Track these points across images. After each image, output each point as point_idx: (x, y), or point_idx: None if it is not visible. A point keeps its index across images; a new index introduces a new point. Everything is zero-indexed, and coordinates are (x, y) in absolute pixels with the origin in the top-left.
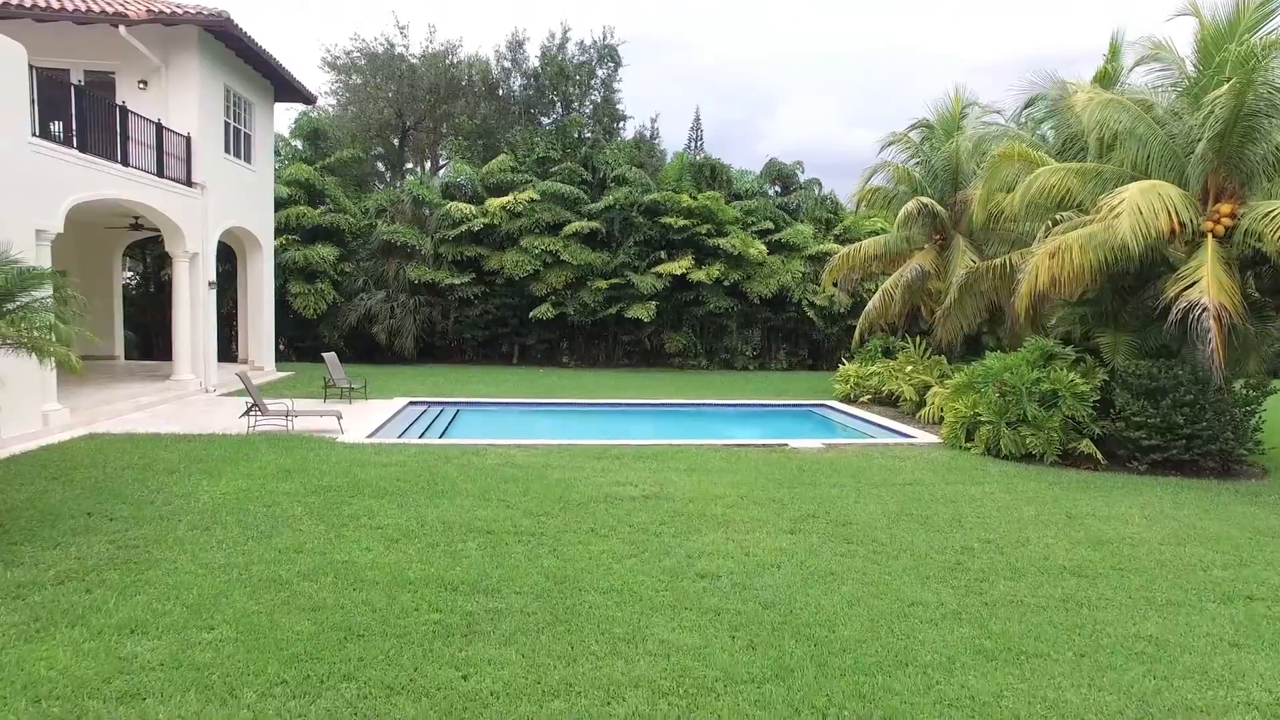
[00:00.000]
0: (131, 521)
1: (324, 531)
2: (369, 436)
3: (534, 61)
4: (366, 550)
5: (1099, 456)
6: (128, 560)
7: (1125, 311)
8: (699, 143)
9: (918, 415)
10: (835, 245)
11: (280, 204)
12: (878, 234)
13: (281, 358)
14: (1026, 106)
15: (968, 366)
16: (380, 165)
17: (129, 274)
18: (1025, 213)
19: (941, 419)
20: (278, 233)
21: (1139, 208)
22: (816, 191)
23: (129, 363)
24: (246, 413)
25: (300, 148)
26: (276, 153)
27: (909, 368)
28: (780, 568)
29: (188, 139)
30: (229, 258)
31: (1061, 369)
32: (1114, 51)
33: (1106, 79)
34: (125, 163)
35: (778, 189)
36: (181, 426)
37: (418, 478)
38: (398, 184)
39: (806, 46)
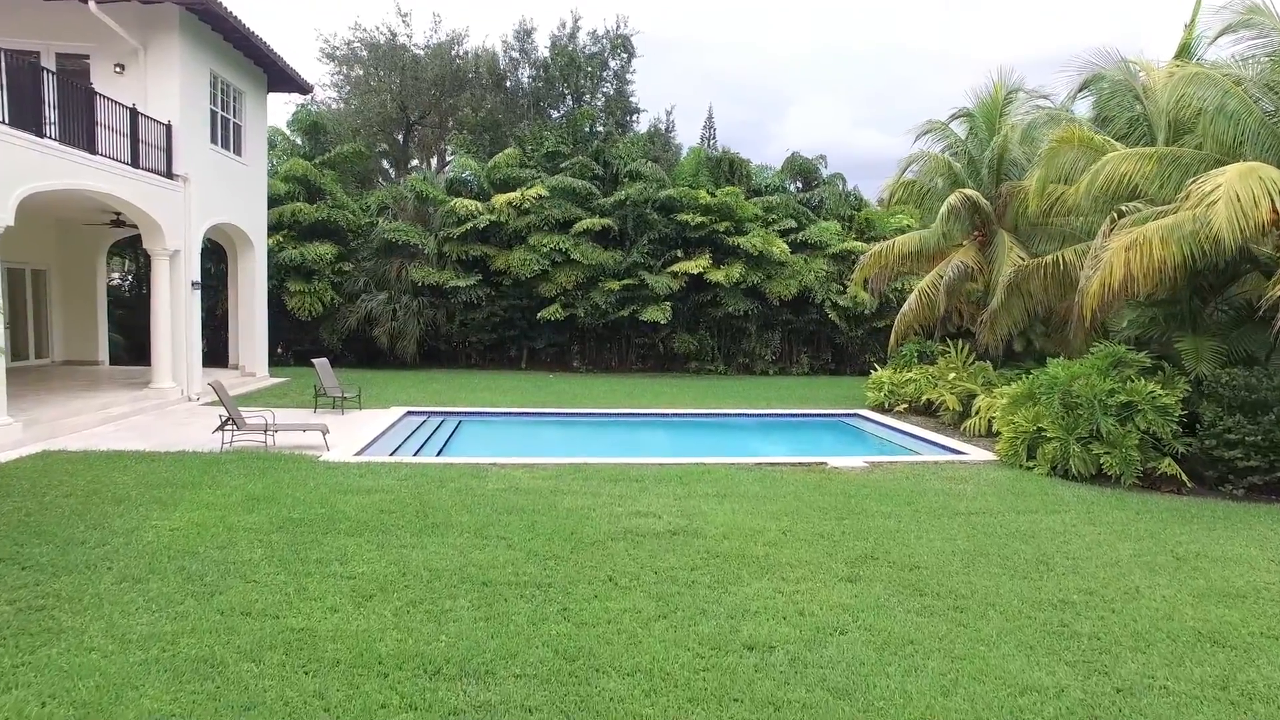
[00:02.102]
0: (49, 571)
1: (283, 583)
2: (357, 454)
3: (543, 52)
4: (332, 611)
5: (1184, 478)
6: (24, 629)
7: (1205, 313)
8: (712, 141)
9: (962, 427)
10: (860, 244)
11: (277, 200)
12: (904, 231)
13: (279, 362)
14: (1081, 89)
15: (1026, 375)
16: (385, 163)
17: (118, 274)
18: (1089, 204)
19: (990, 431)
20: (274, 230)
21: (1237, 195)
22: (840, 187)
23: (113, 368)
24: (221, 427)
25: (299, 142)
26: (273, 146)
27: (951, 375)
28: (845, 633)
29: (168, 127)
30: (221, 257)
31: (1137, 378)
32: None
33: (1185, 52)
34: (93, 150)
35: (799, 185)
36: (149, 442)
37: (406, 508)
38: (401, 181)
39: (815, 47)
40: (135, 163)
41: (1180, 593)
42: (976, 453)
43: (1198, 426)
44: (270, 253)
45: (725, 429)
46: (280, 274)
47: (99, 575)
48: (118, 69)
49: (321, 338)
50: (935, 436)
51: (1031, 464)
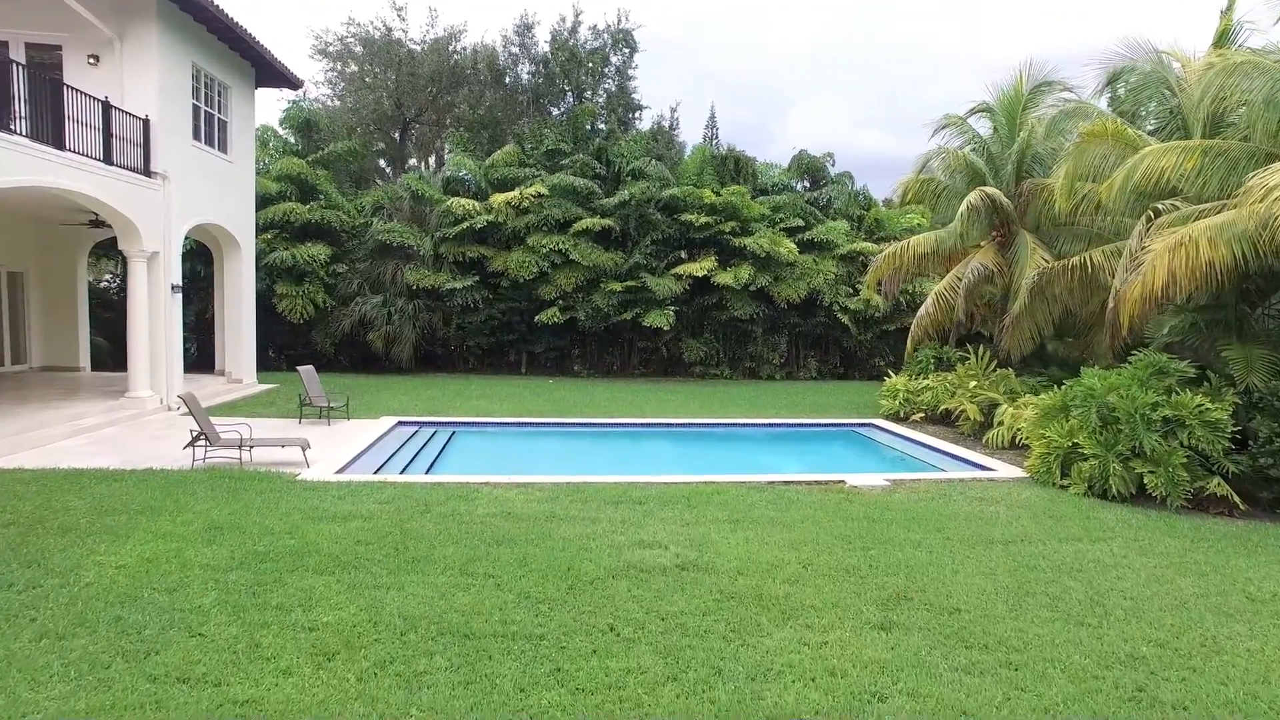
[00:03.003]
0: None
1: (233, 638)
2: (339, 472)
3: (543, 47)
4: (285, 675)
5: (1236, 499)
6: None
7: (1252, 319)
8: (715, 141)
9: (984, 439)
10: (869, 244)
11: (268, 200)
12: (914, 231)
13: (270, 367)
14: (1110, 82)
15: (1051, 384)
16: (382, 162)
17: (110, 276)
18: (1123, 202)
19: (1014, 443)
20: (266, 230)
21: None
22: (849, 186)
23: (95, 374)
24: (191, 443)
25: (291, 141)
26: (265, 145)
27: (972, 383)
28: (885, 699)
29: (145, 122)
30: (210, 258)
31: (1181, 389)
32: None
33: (1224, 39)
34: (60, 145)
35: (806, 184)
36: (116, 458)
37: (385, 538)
38: (398, 180)
39: (816, 47)
40: (109, 159)
41: (1267, 646)
42: (1004, 469)
43: (1250, 443)
44: (260, 254)
45: (733, 440)
46: (271, 276)
47: (18, 629)
48: (91, 60)
49: (315, 342)
50: (957, 449)
51: (1066, 482)
